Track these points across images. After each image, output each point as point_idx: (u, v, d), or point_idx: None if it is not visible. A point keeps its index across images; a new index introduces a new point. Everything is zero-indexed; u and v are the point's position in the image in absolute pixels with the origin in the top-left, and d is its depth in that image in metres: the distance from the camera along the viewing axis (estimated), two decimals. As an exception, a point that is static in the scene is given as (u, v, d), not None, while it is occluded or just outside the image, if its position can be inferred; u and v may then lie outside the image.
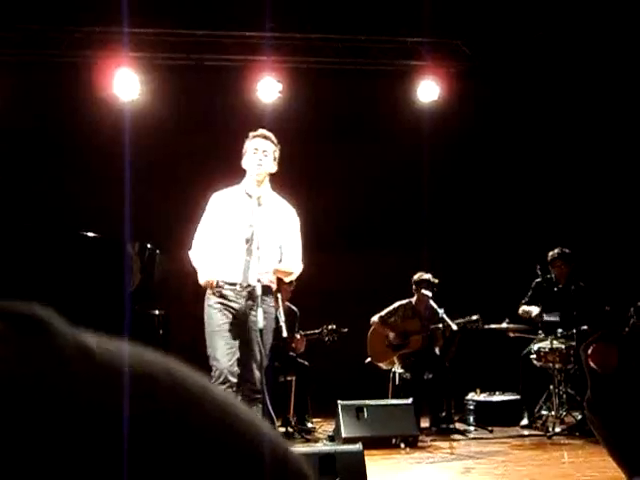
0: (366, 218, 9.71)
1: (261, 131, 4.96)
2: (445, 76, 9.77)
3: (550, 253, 7.35)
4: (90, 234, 7.08)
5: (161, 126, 9.17)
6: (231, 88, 9.54)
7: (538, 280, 7.31)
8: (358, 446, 3.82)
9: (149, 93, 9.28)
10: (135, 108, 9.16)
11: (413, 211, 9.44)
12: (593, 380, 0.85)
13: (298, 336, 7.28)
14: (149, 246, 7.58)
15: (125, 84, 9.01)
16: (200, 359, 4.81)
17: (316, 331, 7.34)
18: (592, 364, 0.84)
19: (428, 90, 9.66)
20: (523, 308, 7.32)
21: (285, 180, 5.25)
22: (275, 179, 5.06)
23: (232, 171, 5.12)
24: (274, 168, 4.94)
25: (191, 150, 9.31)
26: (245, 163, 4.89)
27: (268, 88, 9.52)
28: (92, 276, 6.98)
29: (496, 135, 9.66)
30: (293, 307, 7.33)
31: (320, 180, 9.52)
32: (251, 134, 4.96)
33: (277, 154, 4.94)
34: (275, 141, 4.95)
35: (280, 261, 4.81)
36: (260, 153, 4.83)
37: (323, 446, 4.60)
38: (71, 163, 9.03)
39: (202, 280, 4.77)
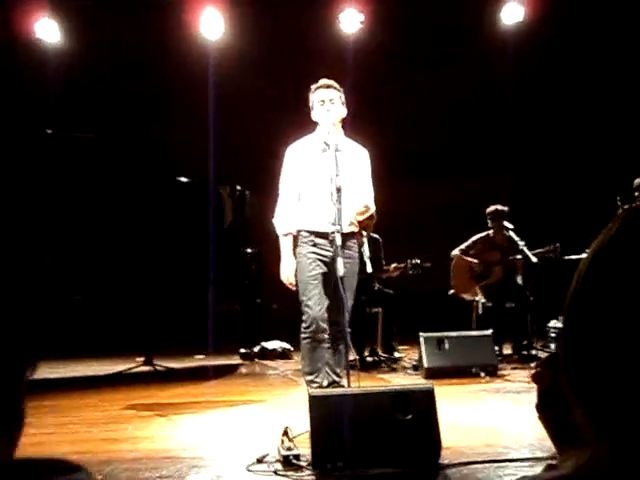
0: (447, 145, 9.72)
1: (323, 81, 5.05)
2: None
3: (636, 181, 7.23)
4: (184, 179, 7.52)
5: (246, 65, 9.33)
6: (313, 20, 9.58)
7: (620, 211, 7.23)
8: (429, 384, 4.10)
9: (234, 31, 9.42)
10: (220, 46, 9.37)
11: (495, 138, 9.44)
12: (538, 392, 1.12)
13: (391, 267, 7.54)
14: (239, 187, 7.97)
15: (211, 23, 9.21)
16: (290, 296, 5.18)
17: (401, 265, 7.59)
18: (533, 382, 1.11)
19: (513, 11, 9.51)
20: None
21: (369, 106, 5.30)
22: (359, 108, 5.14)
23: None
24: (344, 112, 5.06)
25: (275, 88, 9.48)
26: (315, 115, 5.03)
27: (350, 19, 9.60)
28: (187, 217, 7.44)
29: (580, 61, 9.41)
30: (376, 236, 7.51)
31: (402, 106, 9.57)
32: (313, 87, 5.05)
33: (343, 98, 5.05)
34: (338, 87, 5.04)
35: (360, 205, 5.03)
36: (328, 103, 4.95)
37: (397, 385, 4.89)
38: (160, 104, 9.33)
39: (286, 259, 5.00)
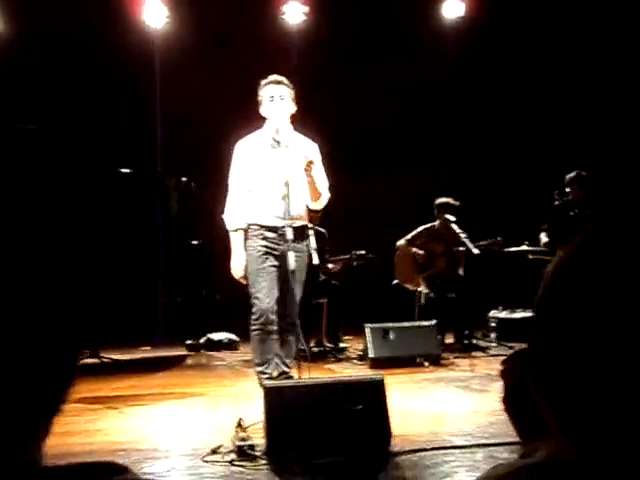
0: (388, 140, 9.84)
1: (273, 77, 5.09)
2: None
3: (567, 176, 7.46)
4: (127, 170, 7.51)
5: (190, 54, 9.26)
6: (258, 10, 9.58)
7: (556, 204, 7.45)
8: (380, 375, 4.22)
9: (177, 20, 9.34)
10: (164, 35, 9.32)
11: (435, 133, 9.61)
12: (504, 387, 1.21)
13: (330, 265, 7.65)
14: (184, 179, 7.98)
15: (154, 11, 9.14)
16: (237, 289, 5.25)
17: (345, 257, 7.72)
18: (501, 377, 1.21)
19: (453, 6, 9.72)
20: (540, 236, 7.53)
21: (311, 101, 5.35)
22: (302, 102, 5.18)
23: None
24: (293, 108, 5.12)
25: (220, 79, 9.44)
26: (264, 111, 5.08)
27: (294, 10, 9.67)
28: (132, 209, 7.44)
29: (519, 54, 9.61)
30: (321, 229, 7.61)
31: (345, 99, 9.65)
32: (263, 82, 5.09)
33: (293, 95, 5.10)
34: (289, 83, 5.10)
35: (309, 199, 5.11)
36: (277, 99, 5.01)
37: (348, 377, 5.02)
38: (104, 95, 9.21)
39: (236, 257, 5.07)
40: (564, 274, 0.80)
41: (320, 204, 5.23)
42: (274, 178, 4.92)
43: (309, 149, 5.19)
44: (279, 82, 5.07)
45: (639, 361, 0.72)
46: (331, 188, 5.26)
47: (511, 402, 1.18)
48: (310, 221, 5.42)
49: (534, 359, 0.82)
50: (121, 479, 0.73)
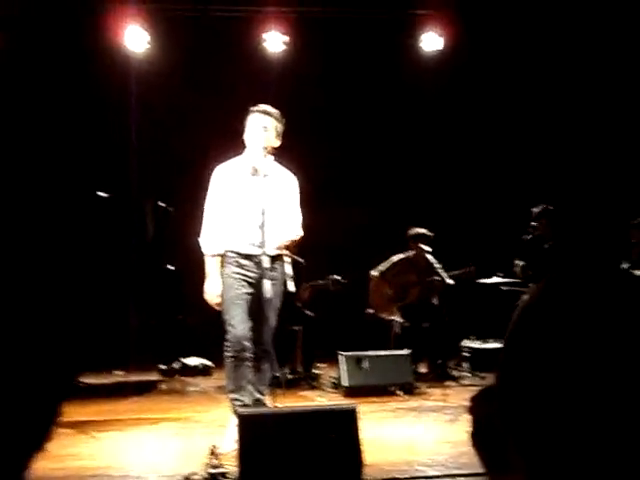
0: (360, 172, 9.91)
1: (262, 107, 5.07)
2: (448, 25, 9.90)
3: (534, 210, 7.51)
4: (103, 194, 7.52)
5: (169, 79, 9.30)
6: (239, 40, 9.65)
7: (528, 237, 7.52)
8: (353, 404, 4.25)
9: (158, 46, 9.39)
10: (144, 59, 9.36)
11: (407, 165, 9.70)
12: (472, 422, 1.25)
13: (305, 286, 7.68)
14: (161, 204, 8.00)
15: (135, 36, 9.18)
16: (212, 314, 5.25)
17: (321, 282, 7.76)
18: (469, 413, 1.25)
19: (431, 40, 9.86)
20: (515, 262, 7.60)
21: (288, 132, 5.35)
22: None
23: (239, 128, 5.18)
24: (276, 143, 5.09)
25: (199, 104, 9.47)
26: (247, 138, 5.06)
27: (274, 40, 9.76)
28: (107, 232, 7.44)
29: (493, 88, 9.76)
30: (299, 259, 7.67)
31: (319, 134, 9.71)
32: (252, 109, 5.07)
33: (280, 128, 5.08)
34: (277, 115, 5.07)
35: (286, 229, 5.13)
36: (261, 129, 4.98)
37: (322, 405, 5.05)
38: (81, 117, 9.19)
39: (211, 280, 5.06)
40: (529, 316, 0.84)
41: (293, 240, 5.24)
42: (251, 206, 4.95)
43: (288, 181, 5.20)
44: (267, 113, 5.05)
45: (598, 403, 0.76)
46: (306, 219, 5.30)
47: (479, 438, 1.22)
48: (287, 248, 5.44)
49: (501, 396, 0.85)
50: None
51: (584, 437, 0.77)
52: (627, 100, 9.23)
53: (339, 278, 7.78)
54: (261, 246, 4.85)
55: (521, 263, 7.51)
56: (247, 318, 5.00)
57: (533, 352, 0.82)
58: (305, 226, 5.35)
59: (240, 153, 5.18)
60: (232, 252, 5.05)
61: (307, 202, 5.39)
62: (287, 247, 5.30)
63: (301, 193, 5.29)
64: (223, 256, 5.08)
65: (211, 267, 5.09)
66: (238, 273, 5.01)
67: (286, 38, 9.78)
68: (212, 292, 5.07)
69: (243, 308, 5.00)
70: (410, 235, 7.70)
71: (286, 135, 5.23)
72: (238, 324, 4.97)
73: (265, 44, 9.76)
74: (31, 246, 0.79)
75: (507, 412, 0.84)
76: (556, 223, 7.39)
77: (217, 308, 5.10)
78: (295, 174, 5.29)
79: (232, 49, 9.63)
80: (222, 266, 5.07)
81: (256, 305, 4.98)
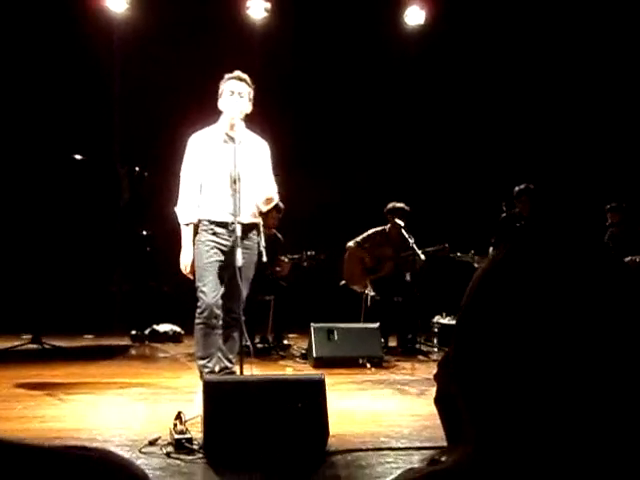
0: (338, 146, 9.89)
1: (237, 73, 5.11)
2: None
3: (516, 188, 7.62)
4: (79, 157, 7.44)
5: (149, 44, 9.20)
6: (219, 4, 9.55)
7: (503, 215, 7.60)
8: (321, 375, 4.26)
9: (139, 7, 9.28)
10: (125, 21, 9.25)
11: (385, 140, 9.68)
12: (436, 389, 1.26)
13: (285, 260, 7.67)
14: (137, 168, 7.92)
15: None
16: (184, 281, 5.25)
17: (296, 256, 7.77)
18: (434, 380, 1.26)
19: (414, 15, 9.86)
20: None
21: (266, 100, 5.34)
22: (257, 101, 5.20)
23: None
24: (249, 108, 5.15)
25: (177, 69, 9.36)
26: (222, 105, 5.10)
27: (256, 5, 9.71)
28: (81, 195, 7.38)
29: (473, 64, 9.74)
30: (279, 235, 7.68)
31: (297, 103, 9.67)
32: (226, 76, 5.11)
33: (252, 95, 5.14)
34: (250, 83, 5.13)
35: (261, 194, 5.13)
36: (236, 95, 5.04)
37: (289, 375, 5.06)
38: (61, 80, 9.10)
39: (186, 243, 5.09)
40: (486, 284, 0.83)
41: (268, 207, 5.27)
42: (225, 174, 4.95)
43: (260, 147, 5.25)
44: (241, 79, 5.09)
45: (550, 374, 0.76)
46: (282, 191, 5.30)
47: (441, 405, 1.23)
48: (268, 225, 5.44)
49: (456, 363, 0.85)
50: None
51: (535, 408, 0.76)
52: (610, 80, 9.27)
53: (313, 253, 7.78)
54: (235, 214, 4.84)
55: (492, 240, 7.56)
56: (219, 286, 5.02)
57: (487, 319, 0.81)
58: (281, 198, 5.34)
59: (216, 120, 5.18)
60: (206, 220, 5.06)
61: (285, 171, 5.39)
62: (262, 213, 5.30)
63: (274, 162, 5.31)
64: (197, 225, 5.08)
65: (186, 236, 5.11)
66: (212, 241, 5.02)
67: (268, 5, 9.72)
68: (186, 261, 5.08)
69: (215, 276, 5.02)
70: (388, 209, 7.71)
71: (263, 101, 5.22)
72: (209, 291, 4.99)
73: (248, 11, 9.71)
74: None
75: (460, 379, 0.83)
76: (535, 201, 7.45)
77: (190, 277, 5.11)
78: (267, 141, 5.30)
79: (213, 14, 9.53)
80: (196, 234, 5.09)
81: (228, 273, 4.99)
